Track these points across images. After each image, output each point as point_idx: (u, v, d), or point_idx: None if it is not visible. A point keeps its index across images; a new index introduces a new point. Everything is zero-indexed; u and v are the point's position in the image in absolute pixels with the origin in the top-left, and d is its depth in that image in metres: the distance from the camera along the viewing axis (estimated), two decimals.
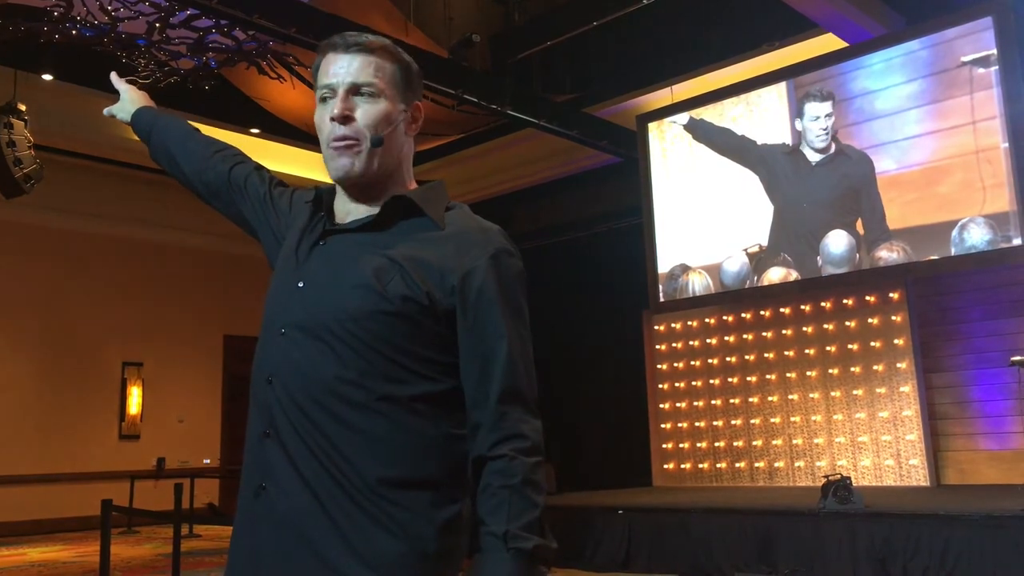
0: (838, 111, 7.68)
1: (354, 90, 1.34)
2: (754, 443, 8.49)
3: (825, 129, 7.75)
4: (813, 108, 7.84)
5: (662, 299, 8.71)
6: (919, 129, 7.17)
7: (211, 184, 1.68)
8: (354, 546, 1.20)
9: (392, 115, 1.36)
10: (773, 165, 8.01)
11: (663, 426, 9.18)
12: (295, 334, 1.29)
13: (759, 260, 8.05)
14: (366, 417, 1.23)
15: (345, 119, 1.33)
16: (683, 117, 8.68)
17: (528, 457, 1.22)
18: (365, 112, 1.34)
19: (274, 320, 1.33)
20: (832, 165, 7.65)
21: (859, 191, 7.42)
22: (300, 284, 1.32)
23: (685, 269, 8.53)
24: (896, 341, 7.73)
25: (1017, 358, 6.25)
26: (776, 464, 8.32)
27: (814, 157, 7.77)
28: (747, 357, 8.68)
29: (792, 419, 8.27)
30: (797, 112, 7.94)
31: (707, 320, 9.00)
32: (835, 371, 8.05)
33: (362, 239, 1.34)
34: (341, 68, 1.35)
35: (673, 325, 9.25)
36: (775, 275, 7.89)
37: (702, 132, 8.51)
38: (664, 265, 8.69)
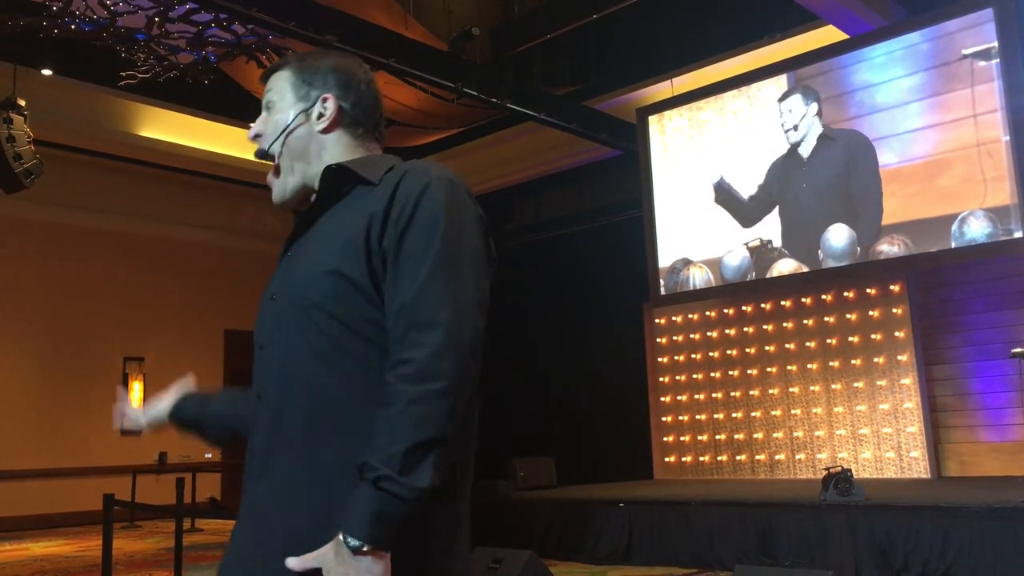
0: (838, 104, 7.67)
1: (264, 109, 1.46)
2: (755, 436, 8.50)
3: (784, 123, 7.90)
4: (781, 105, 8.00)
5: (663, 293, 8.71)
6: (920, 122, 7.16)
7: None
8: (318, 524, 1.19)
9: (281, 120, 1.42)
10: (775, 178, 8.02)
11: (664, 419, 9.19)
12: (269, 345, 1.32)
13: (759, 254, 8.04)
14: (339, 409, 1.23)
15: (255, 137, 1.45)
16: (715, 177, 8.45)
17: (411, 384, 1.13)
18: (265, 127, 1.44)
19: (256, 336, 1.37)
20: (819, 155, 7.70)
21: (849, 172, 7.45)
22: (273, 296, 1.36)
23: (686, 263, 8.53)
24: (897, 333, 7.73)
25: (1018, 350, 6.24)
26: (777, 457, 8.33)
27: (803, 153, 7.80)
28: (748, 350, 8.69)
29: (793, 412, 8.28)
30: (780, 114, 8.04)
31: (708, 313, 9.00)
32: (836, 364, 8.06)
33: (315, 228, 1.35)
34: None
35: (674, 318, 9.25)
36: (785, 267, 7.88)
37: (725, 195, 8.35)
38: (665, 259, 8.68)
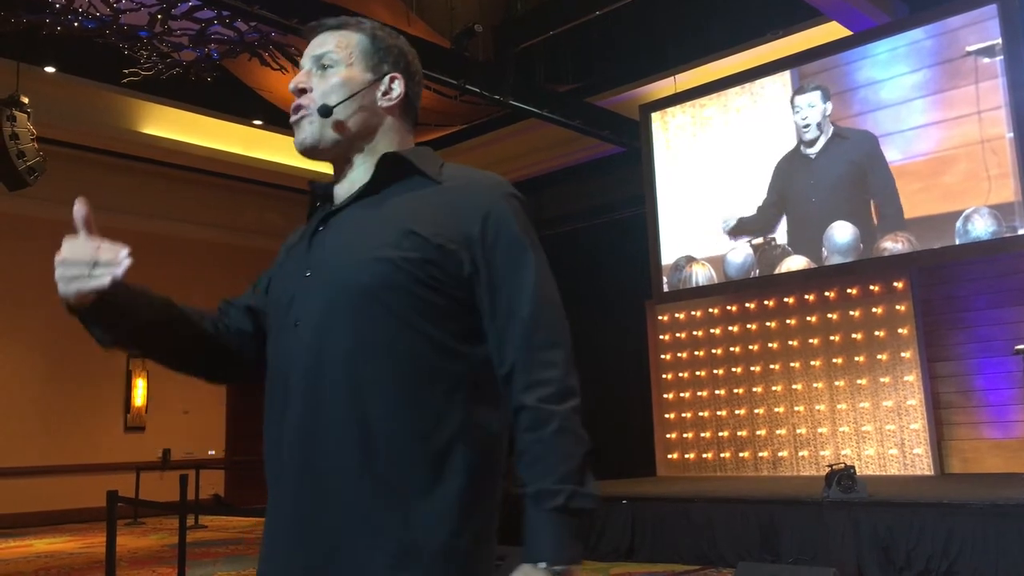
0: (842, 101, 7.66)
1: (316, 63, 1.35)
2: (758, 433, 8.49)
3: (805, 118, 7.82)
4: (797, 100, 7.93)
5: (666, 290, 8.70)
6: (924, 119, 7.15)
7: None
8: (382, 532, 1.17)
9: (351, 81, 1.32)
10: (782, 176, 7.97)
11: (667, 416, 9.19)
12: (308, 324, 1.23)
13: (763, 252, 8.03)
14: (392, 395, 1.18)
15: (300, 92, 1.33)
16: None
17: (557, 405, 1.18)
18: (321, 81, 1.33)
19: (284, 314, 1.27)
20: (829, 153, 7.64)
21: (866, 171, 7.39)
22: (307, 273, 1.26)
23: (689, 260, 8.53)
24: (900, 330, 7.72)
25: (1021, 347, 6.25)
26: (780, 454, 8.33)
27: (811, 151, 7.76)
28: (751, 347, 8.68)
29: (796, 408, 8.27)
30: (794, 109, 7.97)
31: (711, 310, 8.99)
32: (839, 360, 8.05)
33: (360, 211, 1.29)
34: (310, 48, 1.37)
35: (677, 315, 9.25)
36: (795, 264, 7.84)
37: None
38: (668, 256, 8.67)
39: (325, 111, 1.30)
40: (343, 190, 1.35)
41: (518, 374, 1.19)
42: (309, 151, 1.33)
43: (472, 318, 1.23)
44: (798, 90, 7.92)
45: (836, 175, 7.58)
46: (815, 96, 7.80)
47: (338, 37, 1.36)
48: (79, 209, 1.23)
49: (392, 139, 1.36)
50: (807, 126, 7.82)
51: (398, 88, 1.36)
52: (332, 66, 1.34)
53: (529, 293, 1.22)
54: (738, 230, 8.22)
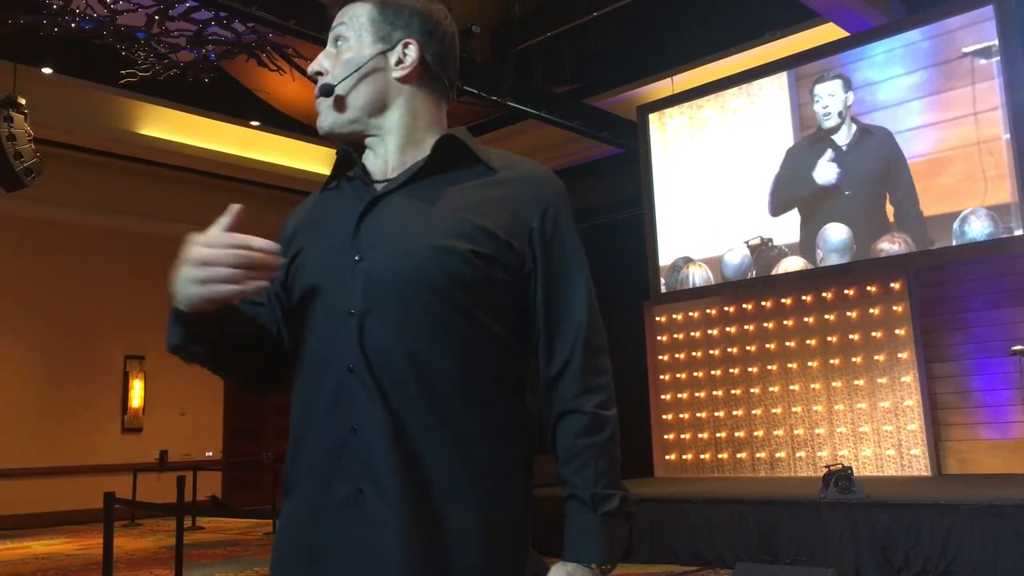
0: None
1: (333, 42, 1.30)
2: (755, 433, 8.50)
3: (826, 107, 7.75)
4: (817, 89, 7.85)
5: (664, 291, 8.71)
6: (921, 120, 7.16)
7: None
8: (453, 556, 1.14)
9: (355, 59, 1.26)
10: (799, 163, 7.93)
11: (664, 417, 9.19)
12: (365, 313, 1.15)
13: (760, 252, 8.03)
14: (462, 393, 1.16)
15: (316, 75, 1.29)
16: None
17: (608, 411, 1.20)
18: (335, 63, 1.28)
19: (329, 299, 1.19)
20: (861, 147, 7.51)
21: (891, 169, 7.34)
22: (357, 258, 1.18)
23: (687, 261, 8.53)
24: (897, 331, 7.74)
25: (1018, 347, 6.27)
26: (777, 454, 8.33)
27: (838, 140, 7.68)
28: (748, 348, 8.69)
29: (793, 409, 8.28)
30: (813, 98, 7.88)
31: (708, 311, 9.00)
32: (836, 361, 8.06)
33: (415, 196, 1.22)
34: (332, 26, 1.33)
35: (674, 316, 9.26)
36: (792, 265, 7.82)
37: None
38: (666, 257, 8.68)
39: (325, 90, 1.26)
40: (376, 167, 1.28)
41: (570, 377, 1.20)
42: (328, 136, 1.29)
43: (522, 315, 1.22)
44: (818, 79, 7.82)
45: (867, 170, 7.44)
46: (836, 85, 7.73)
47: (346, 12, 1.30)
48: (233, 213, 1.10)
49: (413, 110, 1.28)
50: (828, 115, 7.75)
51: (412, 54, 1.27)
52: (341, 43, 1.29)
53: (584, 296, 1.24)
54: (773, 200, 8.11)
